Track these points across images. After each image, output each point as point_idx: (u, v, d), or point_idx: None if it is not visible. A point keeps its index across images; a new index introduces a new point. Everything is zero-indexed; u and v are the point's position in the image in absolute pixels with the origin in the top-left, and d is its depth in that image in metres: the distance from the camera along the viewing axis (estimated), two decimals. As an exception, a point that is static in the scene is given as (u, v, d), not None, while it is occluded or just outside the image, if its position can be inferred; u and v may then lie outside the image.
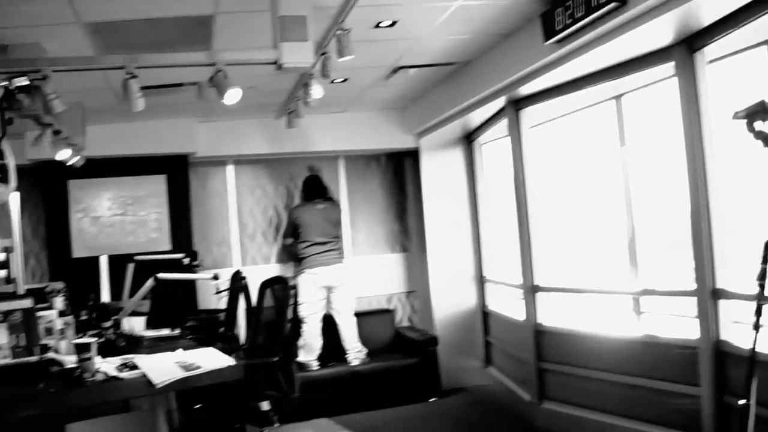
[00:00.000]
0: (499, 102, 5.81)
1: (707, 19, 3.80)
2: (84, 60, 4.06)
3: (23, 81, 3.63)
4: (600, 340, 5.08)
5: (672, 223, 4.75)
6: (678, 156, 4.28)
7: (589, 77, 4.91)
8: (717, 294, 4.07)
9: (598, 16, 3.90)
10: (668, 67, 4.31)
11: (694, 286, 4.23)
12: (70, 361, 3.38)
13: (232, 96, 3.77)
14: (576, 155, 5.90)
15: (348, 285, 7.02)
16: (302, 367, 6.55)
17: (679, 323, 4.60)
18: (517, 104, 5.78)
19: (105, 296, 5.29)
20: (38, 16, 3.81)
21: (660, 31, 3.97)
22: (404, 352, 7.08)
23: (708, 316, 4.08)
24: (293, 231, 7.07)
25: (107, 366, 3.40)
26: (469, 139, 7.46)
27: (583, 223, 5.88)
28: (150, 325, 5.08)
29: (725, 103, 4.08)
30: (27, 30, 3.99)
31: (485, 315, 7.36)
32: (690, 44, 4.10)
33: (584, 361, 5.20)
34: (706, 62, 4.12)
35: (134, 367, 3.38)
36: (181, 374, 3.25)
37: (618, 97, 5.11)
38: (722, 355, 4.02)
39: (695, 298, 4.21)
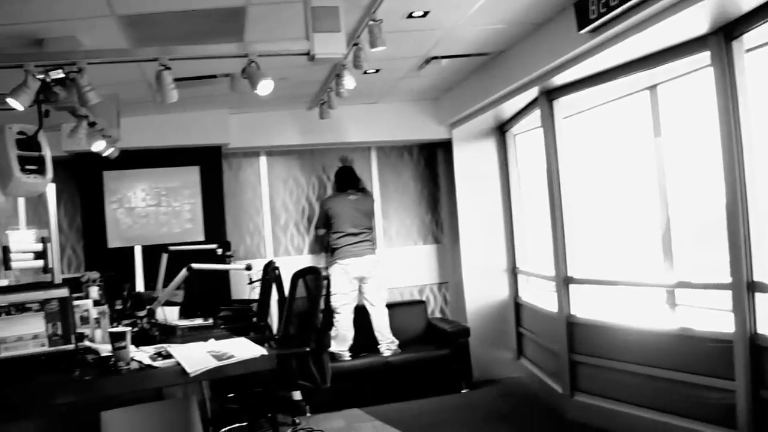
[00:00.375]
0: (532, 92, 5.77)
1: (746, 5, 3.73)
2: (118, 52, 4.09)
3: (59, 74, 3.68)
4: (633, 333, 5.03)
5: (708, 215, 4.68)
6: (714, 147, 4.21)
7: (624, 67, 4.85)
8: (753, 287, 4.01)
9: (632, 5, 3.85)
10: (704, 57, 4.24)
11: (729, 279, 4.17)
12: (105, 349, 3.42)
13: (265, 87, 3.78)
14: (610, 146, 5.83)
15: (380, 276, 7.03)
16: (334, 357, 6.57)
17: (715, 316, 4.53)
18: (550, 95, 5.73)
19: (139, 286, 5.34)
20: (73, 9, 3.86)
21: (696, 19, 3.90)
22: (436, 344, 7.07)
23: (744, 309, 4.02)
24: (326, 222, 7.10)
25: (141, 355, 3.45)
26: (502, 129, 7.41)
27: (616, 214, 5.82)
28: (183, 314, 5.13)
29: (765, 93, 4.01)
30: (62, 23, 4.04)
31: (517, 306, 7.33)
32: (727, 32, 4.02)
33: (617, 353, 5.16)
34: (744, 51, 4.05)
35: (168, 356, 3.42)
36: (215, 363, 3.28)
37: (653, 88, 5.04)
38: (758, 349, 3.96)
39: (731, 291, 4.15)
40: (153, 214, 6.87)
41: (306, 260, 7.57)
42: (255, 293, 6.04)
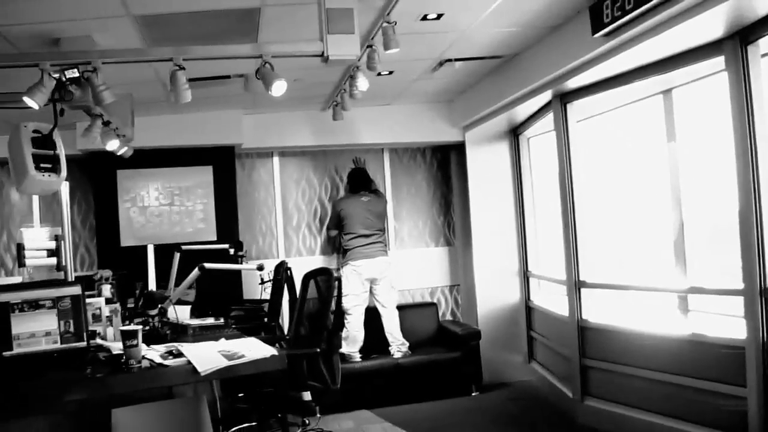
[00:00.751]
0: (546, 96, 5.76)
1: (763, 9, 3.70)
2: (133, 52, 4.11)
3: (74, 73, 3.70)
4: (645, 338, 5.01)
5: (721, 219, 4.66)
6: (728, 152, 4.18)
7: (638, 71, 4.83)
8: (766, 293, 3.98)
9: (647, 9, 3.84)
10: (720, 61, 4.22)
11: (742, 285, 4.14)
12: (117, 347, 3.45)
13: (279, 88, 3.79)
14: (623, 150, 5.82)
15: (391, 278, 7.04)
16: (345, 358, 6.58)
17: (728, 322, 4.51)
18: (563, 98, 5.72)
19: (151, 285, 5.37)
20: (89, 9, 3.89)
21: (712, 23, 3.88)
22: (447, 346, 7.08)
23: (756, 316, 3.99)
24: (338, 223, 7.12)
25: (152, 353, 3.47)
26: (515, 132, 7.41)
27: (629, 219, 5.80)
28: (195, 313, 5.16)
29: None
30: (78, 23, 4.07)
31: (529, 310, 7.32)
32: (743, 36, 4.00)
33: (628, 358, 5.14)
34: (760, 55, 4.03)
35: (179, 354, 3.43)
36: (225, 363, 3.29)
37: (667, 92, 5.02)
38: (771, 355, 3.95)
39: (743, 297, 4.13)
40: (166, 214, 6.90)
41: (318, 261, 7.59)
42: (266, 293, 6.06)
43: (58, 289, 3.50)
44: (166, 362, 3.29)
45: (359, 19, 3.69)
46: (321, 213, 7.71)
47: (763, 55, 4.03)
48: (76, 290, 3.53)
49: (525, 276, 7.41)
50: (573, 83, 5.31)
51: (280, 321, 6.17)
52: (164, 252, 5.62)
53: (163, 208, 6.91)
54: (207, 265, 4.41)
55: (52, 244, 4.60)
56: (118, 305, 4.34)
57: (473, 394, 6.83)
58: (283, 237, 7.62)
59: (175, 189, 6.95)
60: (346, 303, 6.60)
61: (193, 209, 6.97)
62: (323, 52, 3.65)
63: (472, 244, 7.49)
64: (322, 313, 4.64)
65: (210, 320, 4.84)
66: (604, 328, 5.44)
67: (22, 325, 3.36)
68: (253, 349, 3.56)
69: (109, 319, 4.13)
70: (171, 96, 3.78)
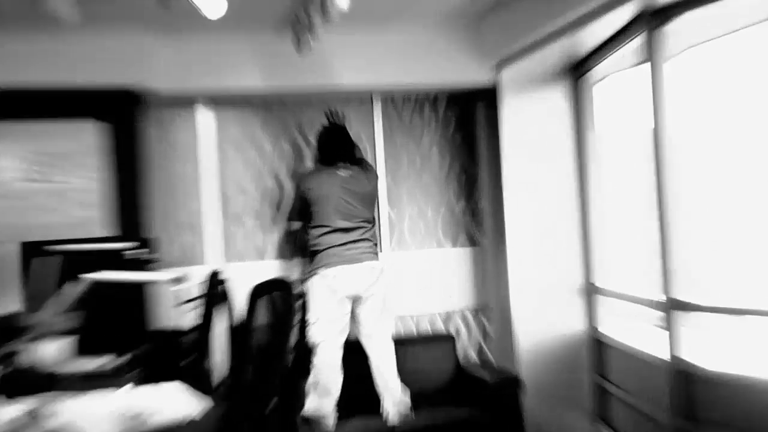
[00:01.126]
0: (626, 12, 5.66)
1: None
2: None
3: None
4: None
5: None
6: None
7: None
8: None
9: None
10: None
11: None
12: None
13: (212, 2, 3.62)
14: (753, 96, 5.63)
15: (384, 294, 6.92)
16: (311, 420, 6.45)
17: None
18: (655, 16, 5.59)
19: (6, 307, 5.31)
20: None
21: None
22: (470, 400, 7.01)
23: None
24: (302, 210, 7.03)
25: (8, 414, 3.46)
26: (576, 72, 7.33)
27: (759, 206, 5.62)
28: (78, 351, 5.11)
29: None
30: None
31: (596, 345, 7.28)
32: None
33: (762, 425, 4.98)
34: None
35: (49, 415, 3.42)
36: (118, 429, 3.26)
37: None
38: None
39: None
40: (27, 194, 6.79)
41: (271, 269, 7.55)
42: (190, 319, 6.04)
43: None
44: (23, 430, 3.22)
45: None
46: (277, 195, 7.64)
47: None
48: None
49: (589, 293, 7.35)
50: (672, -9, 5.18)
51: (210, 361, 6.06)
52: (27, 254, 5.56)
53: (22, 186, 6.79)
54: (93, 276, 4.31)
55: None
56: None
57: (510, 474, 6.75)
58: (221, 232, 7.57)
59: (44, 156, 6.83)
60: (314, 333, 6.49)
61: (73, 188, 6.85)
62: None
63: (506, 243, 7.42)
64: (277, 348, 4.53)
65: (99, 361, 4.78)
66: (721, 378, 5.32)
67: None
68: (171, 402, 3.61)
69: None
70: (40, 9, 3.62)
